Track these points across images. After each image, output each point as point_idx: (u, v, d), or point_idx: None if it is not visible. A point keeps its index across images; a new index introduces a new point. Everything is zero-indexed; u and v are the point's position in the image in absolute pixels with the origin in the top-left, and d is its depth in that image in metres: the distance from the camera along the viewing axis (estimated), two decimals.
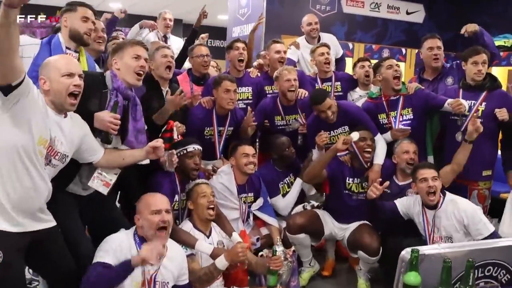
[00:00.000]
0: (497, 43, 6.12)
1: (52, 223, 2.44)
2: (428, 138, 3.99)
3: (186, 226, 3.20)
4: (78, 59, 3.11)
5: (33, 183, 2.26)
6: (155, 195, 2.72)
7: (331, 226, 3.81)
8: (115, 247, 2.48)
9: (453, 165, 3.58)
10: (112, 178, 2.74)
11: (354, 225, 3.74)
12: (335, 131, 3.91)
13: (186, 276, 2.78)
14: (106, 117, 2.62)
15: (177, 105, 3.40)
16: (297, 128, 4.18)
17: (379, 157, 3.73)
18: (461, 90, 3.82)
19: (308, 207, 3.92)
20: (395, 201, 3.50)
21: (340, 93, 4.50)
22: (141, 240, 2.59)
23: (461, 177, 3.65)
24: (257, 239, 3.74)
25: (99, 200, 2.79)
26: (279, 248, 3.39)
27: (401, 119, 3.86)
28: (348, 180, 3.76)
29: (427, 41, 4.16)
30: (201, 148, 3.50)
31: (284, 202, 4.00)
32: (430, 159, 3.95)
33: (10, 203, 2.20)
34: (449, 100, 3.70)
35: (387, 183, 3.38)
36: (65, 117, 2.44)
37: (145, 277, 2.52)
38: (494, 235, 3.13)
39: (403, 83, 3.93)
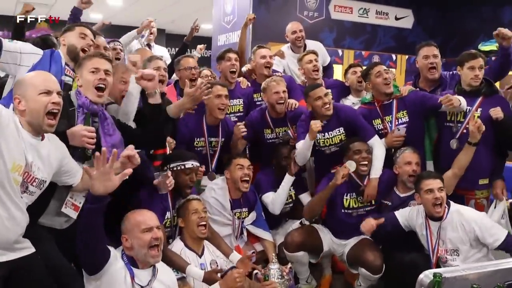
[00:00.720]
0: (487, 48, 6.07)
1: (31, 249, 2.24)
2: (426, 143, 3.84)
3: (177, 245, 3.03)
4: (75, 78, 2.96)
5: (8, 213, 2.05)
6: (143, 212, 2.55)
7: (329, 242, 3.65)
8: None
9: (454, 169, 3.44)
10: (81, 201, 2.56)
11: (354, 240, 3.57)
12: (330, 133, 3.72)
13: None
14: (80, 131, 2.45)
15: (196, 100, 3.21)
16: (288, 141, 3.97)
17: (376, 169, 3.55)
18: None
19: (306, 222, 3.73)
20: (395, 212, 3.36)
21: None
22: (130, 260, 2.45)
23: (457, 186, 3.50)
24: (252, 253, 3.58)
25: None
26: (275, 266, 3.20)
27: (396, 123, 3.72)
28: (346, 196, 3.58)
29: (422, 49, 3.93)
30: (199, 165, 3.33)
31: (272, 197, 3.73)
32: (430, 164, 3.80)
33: None
34: (441, 98, 3.55)
35: (381, 219, 3.29)
36: (42, 139, 2.24)
37: None
38: (510, 236, 3.02)
39: (396, 85, 3.80)
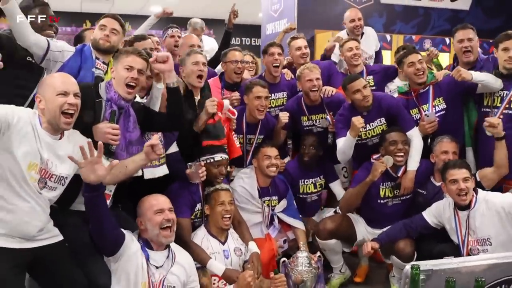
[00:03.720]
0: None
1: (58, 237, 2.43)
2: (466, 128, 3.71)
3: (200, 232, 3.12)
4: (107, 71, 3.08)
5: (27, 209, 2.24)
6: (156, 196, 2.71)
7: (363, 231, 3.61)
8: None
9: (495, 168, 3.30)
10: (111, 189, 2.69)
11: None
12: (371, 124, 3.64)
13: (196, 283, 2.75)
14: (104, 128, 2.57)
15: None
16: (327, 127, 3.95)
17: (413, 162, 3.47)
18: None
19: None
20: (422, 213, 3.29)
21: (374, 88, 4.18)
22: (145, 243, 2.61)
23: None
24: (284, 241, 3.64)
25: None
26: (303, 254, 3.26)
27: (434, 112, 3.61)
28: (382, 185, 3.52)
29: (458, 33, 3.79)
30: (228, 157, 3.39)
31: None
32: (469, 150, 3.68)
33: (3, 229, 2.21)
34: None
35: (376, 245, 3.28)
36: (60, 138, 2.39)
37: (150, 279, 2.53)
38: None
39: (431, 72, 3.70)
